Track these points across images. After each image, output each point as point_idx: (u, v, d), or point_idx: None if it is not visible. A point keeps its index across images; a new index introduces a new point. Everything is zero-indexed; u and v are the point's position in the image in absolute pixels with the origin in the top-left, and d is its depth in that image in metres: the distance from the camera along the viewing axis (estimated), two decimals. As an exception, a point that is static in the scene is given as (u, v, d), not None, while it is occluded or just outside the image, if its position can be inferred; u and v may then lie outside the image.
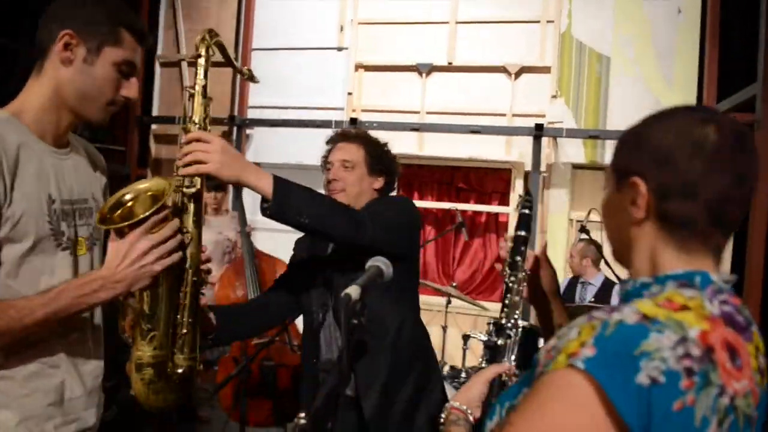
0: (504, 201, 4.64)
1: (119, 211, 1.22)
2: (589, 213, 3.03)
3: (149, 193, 1.25)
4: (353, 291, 0.95)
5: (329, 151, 1.85)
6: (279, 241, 4.28)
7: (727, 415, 0.71)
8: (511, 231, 4.43)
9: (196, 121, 1.33)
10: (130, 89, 1.26)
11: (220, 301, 3.51)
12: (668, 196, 0.80)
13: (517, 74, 4.49)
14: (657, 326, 0.70)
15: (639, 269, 0.85)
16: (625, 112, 4.21)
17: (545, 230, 4.43)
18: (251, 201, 4.30)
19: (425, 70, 4.67)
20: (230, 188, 4.34)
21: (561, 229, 4.41)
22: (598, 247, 3.19)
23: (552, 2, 4.45)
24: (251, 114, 5.06)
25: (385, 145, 1.89)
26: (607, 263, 3.23)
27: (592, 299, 3.53)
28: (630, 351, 0.68)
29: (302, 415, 1.15)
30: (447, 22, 4.66)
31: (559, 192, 4.44)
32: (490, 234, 4.80)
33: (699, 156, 0.79)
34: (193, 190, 1.27)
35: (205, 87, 1.36)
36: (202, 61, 1.38)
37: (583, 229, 3.15)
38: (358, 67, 4.82)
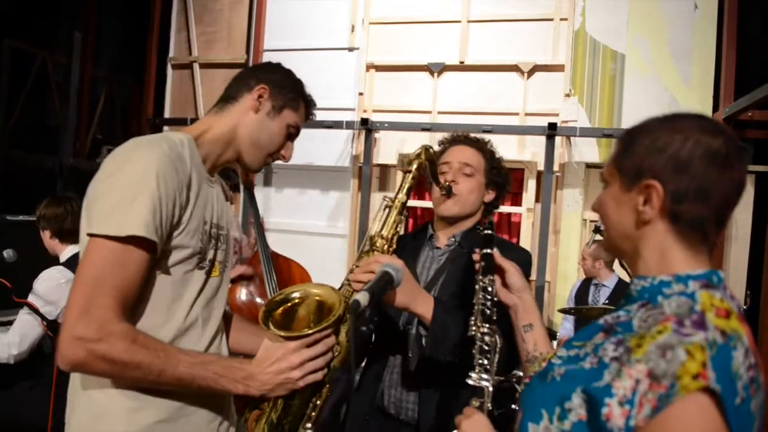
0: (516, 201, 4.59)
1: (283, 307, 1.28)
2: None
3: (317, 299, 1.30)
4: (362, 297, 0.93)
5: (444, 151, 1.77)
6: (287, 243, 4.29)
7: (762, 407, 0.83)
8: (524, 232, 4.38)
9: (384, 235, 1.43)
10: (288, 151, 1.43)
11: (234, 302, 3.49)
12: (683, 200, 0.88)
13: (530, 73, 4.44)
14: (732, 341, 0.79)
15: (648, 266, 0.92)
16: (639, 111, 4.10)
17: (558, 230, 4.37)
18: (273, 204, 4.32)
19: (437, 69, 4.64)
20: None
21: (574, 229, 4.35)
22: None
23: (565, 0, 4.39)
24: (263, 115, 5.04)
25: (501, 158, 1.83)
26: (622, 264, 3.18)
27: (606, 301, 3.47)
28: (730, 373, 0.77)
29: (308, 426, 1.13)
30: (459, 21, 4.62)
31: (573, 192, 4.39)
32: (502, 234, 4.74)
33: (714, 165, 0.87)
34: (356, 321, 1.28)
35: (404, 204, 1.47)
36: (409, 177, 1.50)
37: (597, 230, 3.10)
38: (369, 67, 4.80)
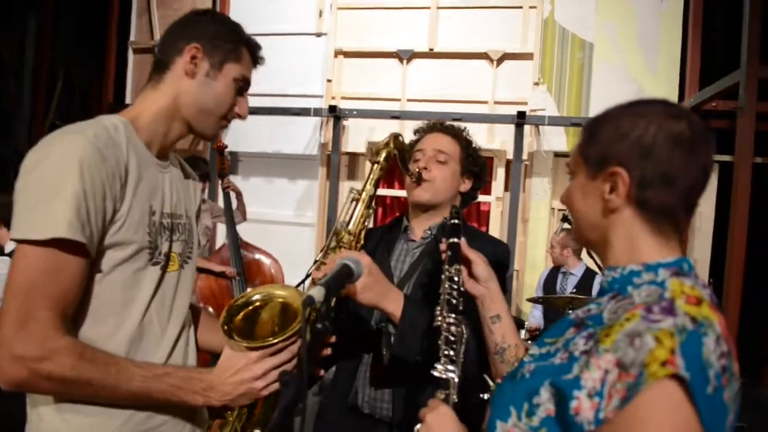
0: (486, 190, 4.56)
1: (244, 312, 1.18)
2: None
3: (281, 301, 1.20)
4: (317, 292, 0.86)
5: (419, 139, 1.72)
6: (255, 232, 4.20)
7: (737, 398, 0.80)
8: (493, 221, 4.38)
9: (351, 230, 1.33)
10: (243, 107, 1.27)
11: (203, 291, 3.42)
12: (649, 186, 0.86)
13: (499, 61, 4.42)
14: (702, 328, 0.76)
15: (618, 255, 0.90)
16: (607, 100, 4.02)
17: (527, 219, 4.38)
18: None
19: (406, 56, 4.58)
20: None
21: (542, 218, 4.37)
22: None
23: (534, -13, 4.38)
24: (228, 101, 4.92)
25: (478, 147, 1.77)
26: (589, 254, 3.19)
27: (574, 290, 3.49)
28: (701, 361, 0.74)
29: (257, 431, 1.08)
30: (428, 8, 4.57)
31: (541, 180, 4.39)
32: (471, 223, 4.73)
33: (678, 149, 0.85)
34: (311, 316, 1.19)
35: (372, 197, 1.37)
36: (377, 168, 1.40)
37: (565, 219, 3.10)
38: (337, 53, 4.72)
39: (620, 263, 0.89)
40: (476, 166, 1.71)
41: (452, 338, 1.10)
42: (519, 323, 3.05)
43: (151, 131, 1.21)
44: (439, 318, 1.15)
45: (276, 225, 4.78)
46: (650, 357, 0.73)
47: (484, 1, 4.48)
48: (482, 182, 1.75)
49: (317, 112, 4.54)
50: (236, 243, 3.44)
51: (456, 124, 1.79)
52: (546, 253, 4.19)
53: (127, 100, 5.20)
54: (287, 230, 4.77)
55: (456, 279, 1.20)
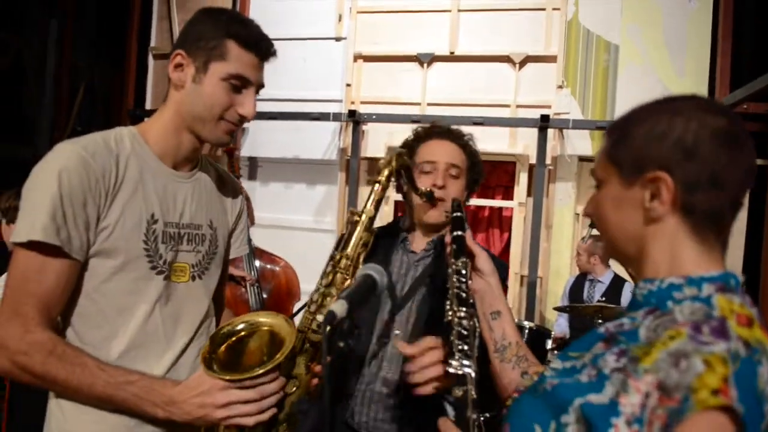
0: (508, 195, 4.50)
1: (228, 342, 1.13)
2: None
3: (268, 329, 1.14)
4: (339, 307, 0.79)
5: (423, 143, 1.57)
6: (273, 238, 4.17)
7: None
8: (515, 226, 4.29)
9: (349, 255, 1.24)
10: (245, 106, 1.18)
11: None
12: (697, 189, 0.78)
13: (522, 64, 4.33)
14: (756, 355, 0.68)
15: (657, 268, 0.81)
16: (633, 103, 3.96)
17: (551, 225, 4.29)
18: (258, 198, 4.19)
19: (426, 60, 4.52)
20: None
21: (567, 223, 4.27)
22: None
23: (558, -11, 4.29)
24: (247, 106, 4.89)
25: (478, 152, 1.64)
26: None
27: (602, 298, 3.39)
28: (755, 393, 0.66)
29: None
30: (449, 11, 4.50)
31: (566, 185, 4.30)
32: (493, 229, 4.66)
33: (724, 146, 0.78)
34: (318, 337, 1.13)
35: (372, 219, 1.28)
36: (378, 188, 1.30)
37: (593, 225, 3.01)
38: (357, 57, 4.67)
39: (659, 275, 0.81)
40: (479, 175, 1.62)
41: (465, 332, 1.07)
42: (545, 333, 2.95)
43: (162, 144, 1.21)
44: (450, 313, 1.10)
45: (295, 231, 4.74)
46: (699, 382, 0.65)
47: (506, 3, 4.40)
48: (476, 188, 1.67)
49: (336, 116, 4.49)
50: (251, 251, 3.41)
51: (471, 128, 1.69)
52: (571, 260, 4.09)
53: (148, 106, 5.21)
54: (306, 236, 4.72)
55: (464, 272, 1.17)
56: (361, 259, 1.26)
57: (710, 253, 0.81)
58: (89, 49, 5.68)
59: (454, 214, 1.30)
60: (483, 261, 1.23)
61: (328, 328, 0.74)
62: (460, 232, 1.23)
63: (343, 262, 1.23)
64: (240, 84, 1.17)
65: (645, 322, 0.79)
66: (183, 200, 1.23)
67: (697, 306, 0.75)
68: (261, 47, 1.19)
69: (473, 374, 0.99)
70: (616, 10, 4.19)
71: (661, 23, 4.10)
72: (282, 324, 1.13)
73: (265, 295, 3.53)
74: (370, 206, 1.29)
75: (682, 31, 4.06)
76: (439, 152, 1.54)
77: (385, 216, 4.53)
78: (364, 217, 1.27)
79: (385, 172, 1.33)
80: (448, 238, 1.25)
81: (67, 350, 1.06)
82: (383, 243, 1.58)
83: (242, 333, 1.14)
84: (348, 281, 1.22)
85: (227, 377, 1.04)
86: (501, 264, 1.58)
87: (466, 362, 1.01)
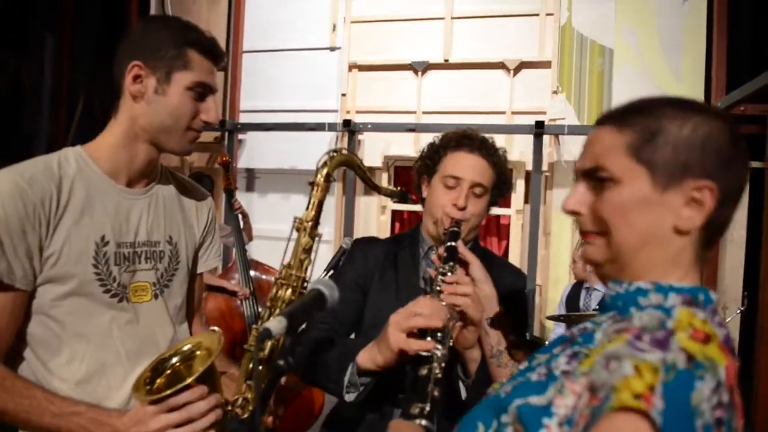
0: (505, 203, 4.46)
1: (174, 367, 1.11)
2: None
3: (204, 351, 1.11)
4: (275, 324, 0.75)
5: (447, 151, 1.48)
6: (271, 249, 4.15)
7: None
8: (513, 234, 4.25)
9: (291, 264, 1.21)
10: (209, 113, 1.18)
11: (212, 313, 3.37)
12: (727, 202, 0.75)
13: (516, 70, 4.31)
14: (699, 371, 0.65)
15: (659, 278, 0.77)
16: None
17: (548, 232, 4.25)
18: (256, 210, 4.19)
19: (421, 68, 4.51)
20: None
21: (565, 230, 4.22)
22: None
23: (551, -6, 4.27)
24: (243, 118, 4.90)
25: (509, 169, 1.54)
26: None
27: (598, 306, 3.35)
28: (687, 408, 0.62)
29: None
30: (442, 18, 4.49)
31: (563, 192, 4.25)
32: (491, 237, 4.63)
33: (744, 158, 0.76)
34: (262, 354, 1.11)
35: (314, 224, 1.24)
36: (317, 191, 1.26)
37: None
38: (351, 67, 4.66)
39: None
40: (505, 191, 1.54)
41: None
42: (539, 344, 2.91)
43: (113, 161, 1.17)
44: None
45: (293, 242, 4.71)
46: (623, 382, 0.63)
47: (499, 9, 4.38)
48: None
49: (332, 126, 4.48)
50: (245, 263, 3.41)
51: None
52: (569, 268, 4.05)
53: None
54: (304, 247, 4.70)
55: (448, 274, 1.23)
56: (304, 266, 1.22)
57: (694, 266, 0.78)
58: (87, 65, 5.71)
59: (451, 229, 1.35)
60: (475, 269, 1.27)
61: (261, 344, 0.71)
62: (452, 243, 1.30)
63: (285, 272, 1.21)
64: (203, 91, 1.17)
65: (604, 326, 0.77)
66: (138, 218, 1.21)
67: (656, 314, 0.73)
68: (216, 53, 1.19)
69: (439, 354, 1.08)
70: (609, 14, 4.16)
71: (655, 26, 4.06)
72: (213, 341, 1.10)
73: (261, 309, 3.52)
74: (311, 211, 1.26)
75: (676, 33, 4.02)
76: (466, 168, 1.45)
77: (382, 226, 4.52)
78: (305, 223, 1.25)
79: (323, 172, 1.29)
80: (441, 250, 1.29)
81: (16, 383, 1.06)
82: (402, 252, 1.53)
83: (181, 358, 1.12)
84: (290, 292, 1.20)
85: (150, 398, 1.03)
86: (515, 273, 1.58)
87: (438, 346, 1.10)
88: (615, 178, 0.78)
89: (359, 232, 4.47)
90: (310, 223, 1.25)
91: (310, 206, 1.28)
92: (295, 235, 1.25)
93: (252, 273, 3.46)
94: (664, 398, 0.61)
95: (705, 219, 0.75)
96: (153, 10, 5.22)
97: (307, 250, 1.23)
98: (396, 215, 4.65)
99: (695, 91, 3.94)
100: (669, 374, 0.63)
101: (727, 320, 3.31)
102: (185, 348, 1.12)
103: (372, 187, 1.47)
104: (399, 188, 1.49)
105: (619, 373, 0.64)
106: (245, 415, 1.10)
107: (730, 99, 3.69)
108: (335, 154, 1.32)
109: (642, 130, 0.78)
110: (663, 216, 0.76)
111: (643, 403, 0.61)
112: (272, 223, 4.82)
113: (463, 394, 1.30)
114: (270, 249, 4.27)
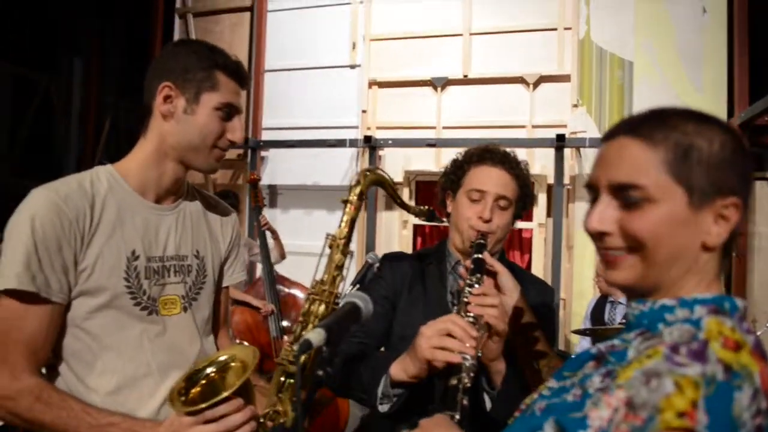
0: (527, 216, 4.45)
1: (208, 377, 1.13)
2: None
3: (239, 363, 1.13)
4: (315, 336, 0.78)
5: (471, 165, 1.50)
6: (294, 265, 4.19)
7: None
8: (536, 248, 4.24)
9: (325, 280, 1.24)
10: (235, 132, 1.24)
11: (239, 326, 3.42)
12: (744, 213, 0.77)
13: (536, 84, 4.33)
14: (737, 380, 0.66)
15: (677, 293, 0.77)
16: None
17: (571, 245, 4.22)
18: (279, 225, 4.24)
19: (440, 84, 4.55)
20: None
21: (589, 243, 4.17)
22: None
23: (569, 8, 4.29)
24: (265, 136, 4.99)
25: (532, 183, 1.56)
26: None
27: (623, 320, 3.31)
28: (730, 420, 0.63)
29: None
30: (461, 34, 4.53)
31: (585, 205, 4.23)
32: (513, 251, 4.61)
33: (753, 170, 0.79)
34: (294, 368, 1.13)
35: (346, 242, 1.26)
36: (350, 209, 1.29)
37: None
38: (371, 84, 4.72)
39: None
40: (529, 204, 1.56)
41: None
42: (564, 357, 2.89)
43: (143, 178, 1.22)
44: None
45: (315, 257, 4.74)
46: (666, 402, 0.64)
47: (518, 24, 4.41)
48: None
49: (353, 143, 4.54)
50: (272, 279, 3.45)
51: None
52: (593, 282, 4.02)
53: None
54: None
55: (476, 285, 1.25)
56: (337, 283, 1.24)
57: (716, 279, 0.79)
58: (113, 87, 5.86)
59: (478, 241, 1.37)
60: (504, 278, 1.28)
61: (303, 356, 0.74)
62: (479, 255, 1.30)
63: (318, 287, 1.23)
64: (230, 111, 1.22)
65: (634, 343, 0.77)
66: (166, 233, 1.25)
67: (686, 328, 0.73)
68: (242, 75, 1.25)
69: (467, 363, 1.08)
70: (628, 27, 4.17)
71: (674, 38, 4.05)
72: (248, 354, 1.12)
73: (286, 323, 3.56)
74: (344, 228, 1.28)
75: (696, 45, 4.01)
76: (490, 181, 1.46)
77: (404, 240, 4.53)
78: (338, 241, 1.27)
79: (356, 191, 1.32)
80: (468, 262, 1.30)
81: (53, 395, 1.09)
82: (428, 268, 1.55)
83: (216, 369, 1.14)
84: (323, 307, 1.22)
85: (186, 409, 1.04)
86: (543, 287, 1.59)
87: (467, 355, 1.11)
88: (651, 198, 0.76)
89: (381, 247, 4.49)
90: (342, 240, 1.28)
91: (343, 224, 1.30)
92: (326, 251, 1.27)
93: (278, 287, 3.51)
94: (708, 413, 0.63)
95: (730, 233, 0.76)
96: (177, 34, 5.36)
97: (340, 267, 1.26)
98: (417, 229, 4.66)
99: (717, 102, 3.91)
100: (710, 388, 0.64)
101: (758, 333, 3.25)
102: (220, 359, 1.14)
103: (401, 206, 1.49)
104: (426, 207, 1.51)
105: (661, 393, 0.65)
106: (285, 424, 1.12)
107: (753, 110, 3.66)
108: (368, 173, 1.35)
109: (674, 147, 0.77)
110: (695, 235, 0.76)
111: (687, 421, 0.62)
112: (295, 238, 4.87)
113: (488, 405, 1.30)
114: (292, 263, 4.30)
